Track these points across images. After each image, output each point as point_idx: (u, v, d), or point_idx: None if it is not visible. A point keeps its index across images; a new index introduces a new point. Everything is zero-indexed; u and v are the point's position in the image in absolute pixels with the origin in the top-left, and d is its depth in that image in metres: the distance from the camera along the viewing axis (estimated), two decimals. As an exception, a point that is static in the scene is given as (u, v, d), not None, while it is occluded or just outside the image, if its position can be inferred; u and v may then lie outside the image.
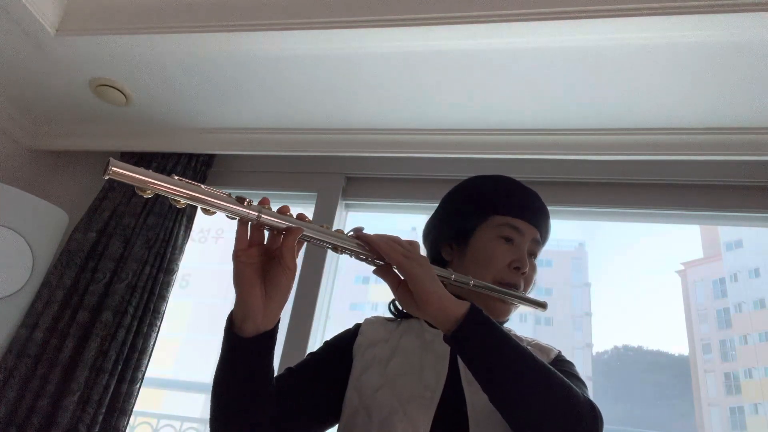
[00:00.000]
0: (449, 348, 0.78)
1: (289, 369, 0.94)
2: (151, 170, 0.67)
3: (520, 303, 0.97)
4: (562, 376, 0.76)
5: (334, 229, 0.83)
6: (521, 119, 1.84)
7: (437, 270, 0.88)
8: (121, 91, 1.97)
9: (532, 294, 1.01)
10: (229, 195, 0.73)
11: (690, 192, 1.82)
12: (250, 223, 0.76)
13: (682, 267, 2.19)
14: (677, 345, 2.03)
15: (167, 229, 1.99)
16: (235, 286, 0.77)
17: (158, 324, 1.90)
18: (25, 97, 2.12)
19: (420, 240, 1.07)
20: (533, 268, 1.01)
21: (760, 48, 1.43)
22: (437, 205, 1.12)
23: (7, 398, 1.74)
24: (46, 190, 2.21)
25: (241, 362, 0.78)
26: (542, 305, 1.00)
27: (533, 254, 1.02)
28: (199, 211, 0.73)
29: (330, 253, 1.60)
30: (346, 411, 0.91)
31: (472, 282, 0.91)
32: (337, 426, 0.93)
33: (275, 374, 0.86)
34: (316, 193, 2.07)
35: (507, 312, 0.98)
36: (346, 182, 2.08)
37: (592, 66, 1.57)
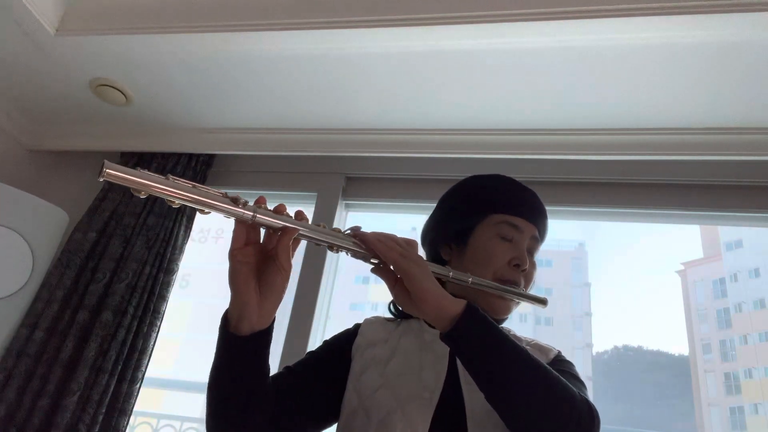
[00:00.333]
0: (449, 348, 0.78)
1: (287, 368, 0.94)
2: (147, 171, 0.67)
3: (519, 300, 0.97)
4: (558, 375, 0.76)
5: (332, 228, 0.83)
6: (521, 119, 1.84)
7: (435, 268, 0.88)
8: (121, 91, 1.97)
9: (531, 293, 1.01)
10: (225, 194, 0.73)
11: (690, 192, 1.82)
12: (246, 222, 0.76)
13: (682, 267, 2.19)
14: (677, 345, 2.03)
15: (167, 229, 1.99)
16: (230, 285, 0.77)
17: (158, 324, 1.90)
18: (25, 97, 2.12)
19: (419, 240, 1.07)
20: (533, 266, 1.01)
21: (760, 48, 1.42)
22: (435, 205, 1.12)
23: (7, 398, 1.74)
24: (46, 190, 2.21)
25: (236, 361, 0.78)
26: (542, 301, 1.00)
27: (532, 252, 1.02)
28: (198, 211, 0.73)
29: (330, 253, 1.60)
30: (344, 411, 0.91)
31: (470, 279, 0.91)
32: (335, 426, 0.93)
33: (274, 373, 0.86)
34: (316, 193, 2.07)
35: (507, 309, 0.97)
36: (346, 182, 2.08)
37: (592, 66, 1.57)
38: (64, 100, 2.09)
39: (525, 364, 0.74)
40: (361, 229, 0.84)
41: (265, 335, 0.78)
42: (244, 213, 0.73)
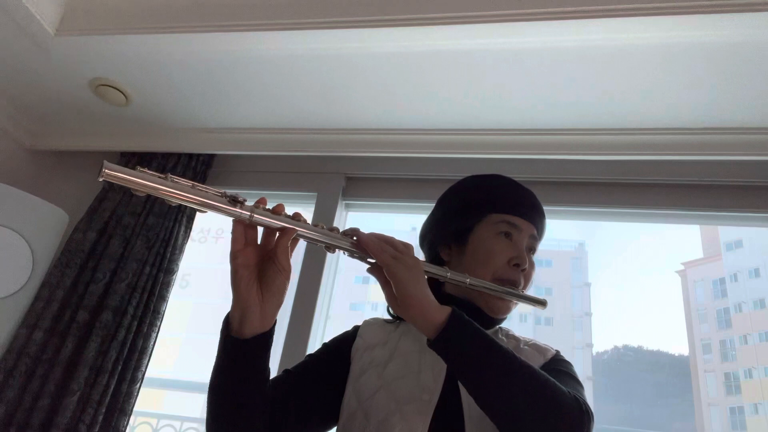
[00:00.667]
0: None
1: (287, 371, 0.93)
2: (147, 171, 0.67)
3: (518, 301, 0.97)
4: (548, 377, 0.76)
5: (329, 228, 0.83)
6: (521, 119, 1.84)
7: (432, 269, 0.87)
8: (121, 91, 1.97)
9: (530, 293, 1.01)
10: (223, 194, 0.73)
11: (690, 192, 1.82)
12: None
13: (682, 267, 2.19)
14: (677, 345, 2.03)
15: (167, 229, 1.99)
16: (232, 288, 0.77)
17: (158, 324, 1.90)
18: (25, 97, 2.12)
19: (417, 242, 1.07)
20: (532, 265, 1.00)
21: (760, 48, 1.42)
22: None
23: (7, 398, 1.74)
24: (46, 190, 2.21)
25: (238, 363, 0.78)
26: (541, 302, 0.99)
27: (531, 251, 1.02)
28: (197, 211, 0.73)
29: (330, 253, 1.60)
30: (344, 413, 0.91)
31: (468, 280, 0.91)
32: (335, 428, 0.93)
33: (273, 376, 0.86)
34: (315, 193, 2.07)
35: (507, 309, 0.97)
36: (346, 182, 2.08)
37: (592, 66, 1.57)
38: (64, 100, 2.10)
39: (512, 367, 0.74)
40: (360, 230, 0.84)
41: (267, 337, 0.78)
42: (241, 213, 0.73)
